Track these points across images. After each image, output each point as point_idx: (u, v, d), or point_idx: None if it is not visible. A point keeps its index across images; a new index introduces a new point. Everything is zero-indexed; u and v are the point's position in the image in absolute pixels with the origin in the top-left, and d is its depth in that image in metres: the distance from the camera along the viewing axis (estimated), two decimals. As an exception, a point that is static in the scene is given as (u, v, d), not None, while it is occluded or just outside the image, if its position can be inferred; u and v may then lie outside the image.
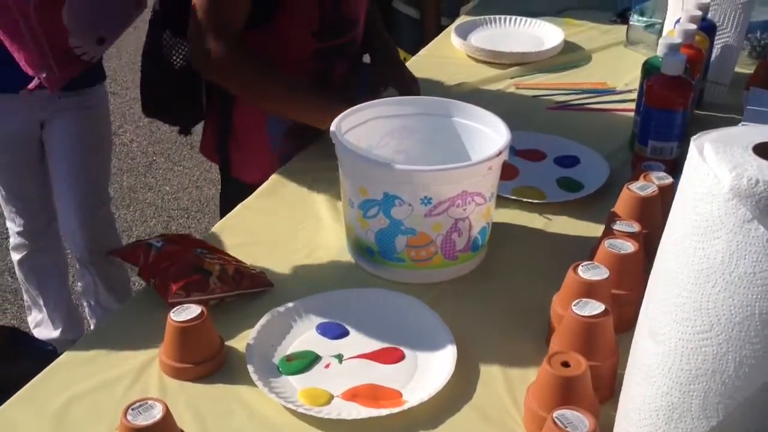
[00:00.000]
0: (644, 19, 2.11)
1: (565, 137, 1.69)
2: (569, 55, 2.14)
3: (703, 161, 0.84)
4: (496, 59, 2.08)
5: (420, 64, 2.14)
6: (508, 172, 1.55)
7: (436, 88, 1.97)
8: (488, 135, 1.33)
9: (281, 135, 1.67)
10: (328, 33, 1.60)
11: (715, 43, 1.80)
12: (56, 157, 2.16)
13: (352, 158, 1.24)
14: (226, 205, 1.77)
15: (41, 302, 2.41)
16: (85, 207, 2.21)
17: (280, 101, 1.55)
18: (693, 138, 0.86)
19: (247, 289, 1.22)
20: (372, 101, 1.40)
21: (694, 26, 1.62)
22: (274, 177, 1.57)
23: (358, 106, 1.37)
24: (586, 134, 1.72)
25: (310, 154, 1.63)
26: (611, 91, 1.95)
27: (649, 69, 1.57)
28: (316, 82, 1.63)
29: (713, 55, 1.82)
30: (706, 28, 1.73)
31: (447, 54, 2.18)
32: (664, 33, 1.93)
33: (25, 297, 2.46)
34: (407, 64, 2.16)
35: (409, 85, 1.72)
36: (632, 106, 1.74)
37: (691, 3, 1.75)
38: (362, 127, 1.38)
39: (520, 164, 1.61)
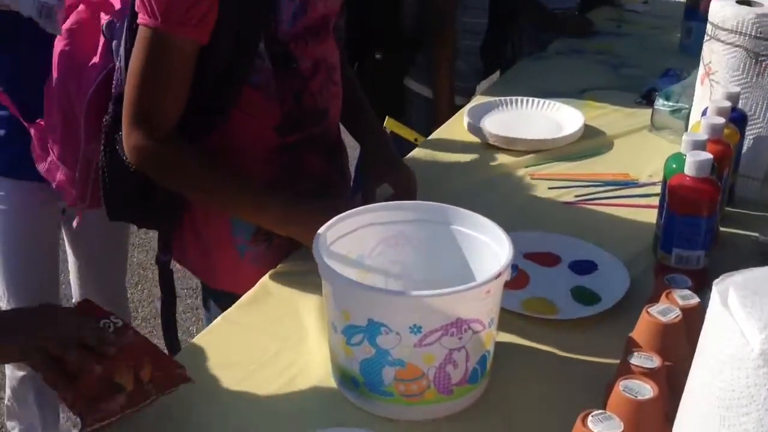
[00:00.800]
0: (670, 103, 1.97)
1: (582, 237, 1.55)
2: (589, 141, 2.01)
3: (728, 314, 0.70)
4: (511, 146, 1.96)
5: (429, 148, 2.01)
6: (517, 280, 1.41)
7: (444, 176, 1.84)
8: (490, 247, 1.20)
9: (248, 235, 1.54)
10: (292, 127, 1.50)
11: (746, 134, 1.66)
12: (78, 237, 2.11)
13: (331, 277, 1.10)
14: (169, 316, 1.63)
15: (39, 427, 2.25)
16: (108, 284, 2.21)
17: (224, 200, 1.45)
18: (715, 282, 0.72)
19: (167, 390, 1.09)
20: (362, 207, 1.27)
21: (721, 120, 1.48)
22: (260, 284, 1.44)
23: (348, 212, 1.24)
24: (605, 234, 1.58)
25: (302, 257, 1.49)
26: (634, 183, 1.80)
27: (672, 168, 1.43)
28: (286, 176, 1.53)
29: (744, 147, 1.68)
30: (737, 119, 1.59)
31: (459, 138, 2.06)
32: (691, 123, 1.79)
33: (10, 425, 2.30)
34: (419, 146, 2.04)
35: (405, 184, 1.58)
36: (657, 201, 1.60)
37: (719, 93, 1.61)
38: (353, 235, 1.25)
39: (531, 269, 1.47)
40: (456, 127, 2.12)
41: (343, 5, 2.53)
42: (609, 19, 3.09)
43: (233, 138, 1.47)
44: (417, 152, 2.02)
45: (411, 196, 1.54)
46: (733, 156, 1.56)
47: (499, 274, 1.07)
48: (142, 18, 1.33)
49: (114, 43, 1.48)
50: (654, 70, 2.46)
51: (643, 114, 2.13)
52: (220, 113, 1.44)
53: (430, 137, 2.13)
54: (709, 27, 1.69)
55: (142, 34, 1.35)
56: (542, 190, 1.79)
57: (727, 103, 1.54)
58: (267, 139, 1.49)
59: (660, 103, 2.00)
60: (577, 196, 1.76)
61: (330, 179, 1.61)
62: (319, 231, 1.18)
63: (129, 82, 1.37)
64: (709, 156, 1.34)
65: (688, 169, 1.34)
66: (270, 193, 1.46)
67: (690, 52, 2.58)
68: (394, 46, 2.58)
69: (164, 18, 1.31)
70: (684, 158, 1.38)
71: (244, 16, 1.35)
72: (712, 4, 1.70)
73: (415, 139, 2.50)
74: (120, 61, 1.45)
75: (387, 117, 2.57)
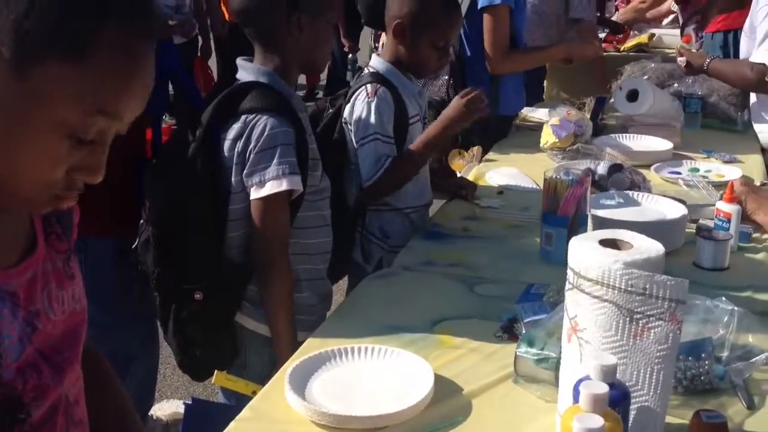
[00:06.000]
0: (534, 350, 1.61)
1: None
2: (440, 407, 1.56)
3: None
4: (344, 426, 1.52)
5: (255, 417, 1.55)
6: None
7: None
8: None
9: None
10: None
11: (630, 407, 1.30)
12: None
13: None
14: None
15: None
16: None
17: None
18: None
19: None
20: None
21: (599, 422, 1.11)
22: None
23: None
24: None
25: None
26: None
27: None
28: None
29: (630, 421, 1.31)
30: (616, 399, 1.23)
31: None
32: (562, 383, 1.42)
33: None
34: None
35: None
36: None
37: (590, 365, 1.25)
38: None
39: None
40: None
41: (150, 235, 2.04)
42: (461, 218, 2.72)
43: None
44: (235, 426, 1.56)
45: None
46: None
47: None
48: None
49: None
50: (516, 286, 2.09)
51: (507, 354, 1.75)
52: None
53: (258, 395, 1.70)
54: (570, 273, 1.36)
55: None
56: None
57: (603, 388, 1.18)
58: None
59: (523, 350, 1.63)
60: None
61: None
62: None
63: None
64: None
65: None
66: None
67: (553, 260, 2.28)
68: (218, 281, 2.15)
69: None
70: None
71: None
72: (570, 245, 1.37)
73: (253, 392, 2.04)
74: None
75: (216, 372, 2.13)
